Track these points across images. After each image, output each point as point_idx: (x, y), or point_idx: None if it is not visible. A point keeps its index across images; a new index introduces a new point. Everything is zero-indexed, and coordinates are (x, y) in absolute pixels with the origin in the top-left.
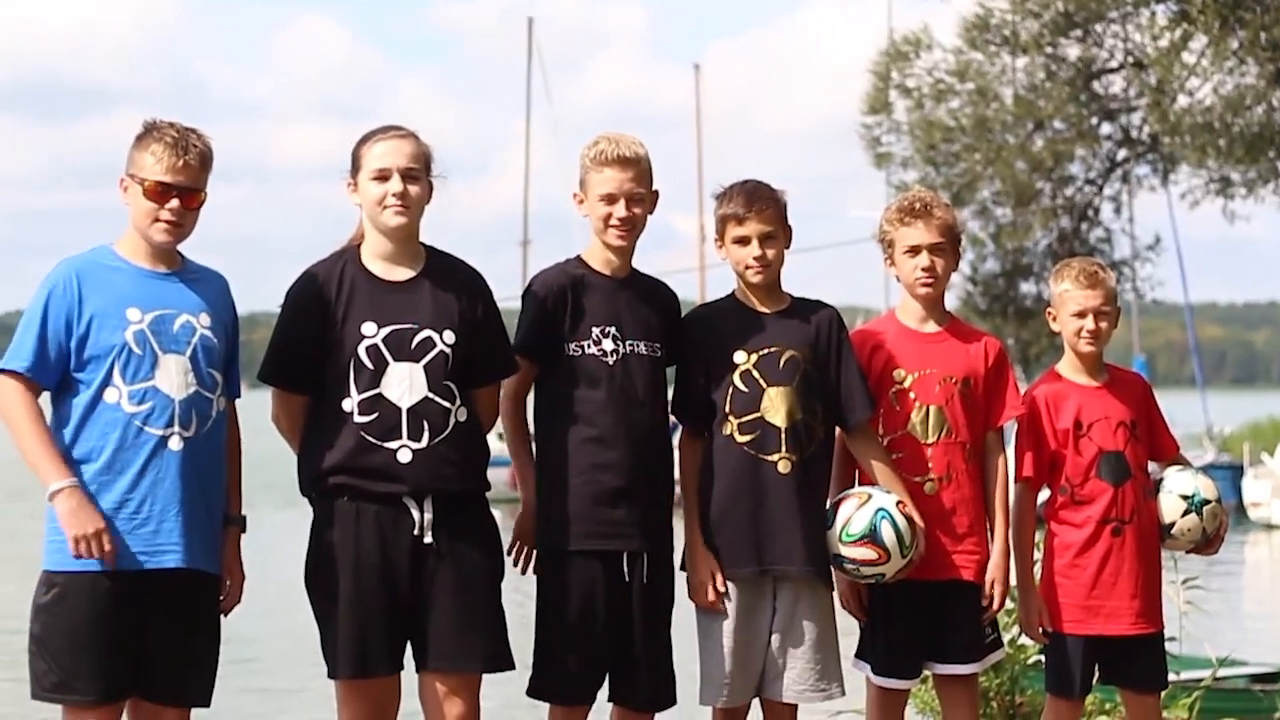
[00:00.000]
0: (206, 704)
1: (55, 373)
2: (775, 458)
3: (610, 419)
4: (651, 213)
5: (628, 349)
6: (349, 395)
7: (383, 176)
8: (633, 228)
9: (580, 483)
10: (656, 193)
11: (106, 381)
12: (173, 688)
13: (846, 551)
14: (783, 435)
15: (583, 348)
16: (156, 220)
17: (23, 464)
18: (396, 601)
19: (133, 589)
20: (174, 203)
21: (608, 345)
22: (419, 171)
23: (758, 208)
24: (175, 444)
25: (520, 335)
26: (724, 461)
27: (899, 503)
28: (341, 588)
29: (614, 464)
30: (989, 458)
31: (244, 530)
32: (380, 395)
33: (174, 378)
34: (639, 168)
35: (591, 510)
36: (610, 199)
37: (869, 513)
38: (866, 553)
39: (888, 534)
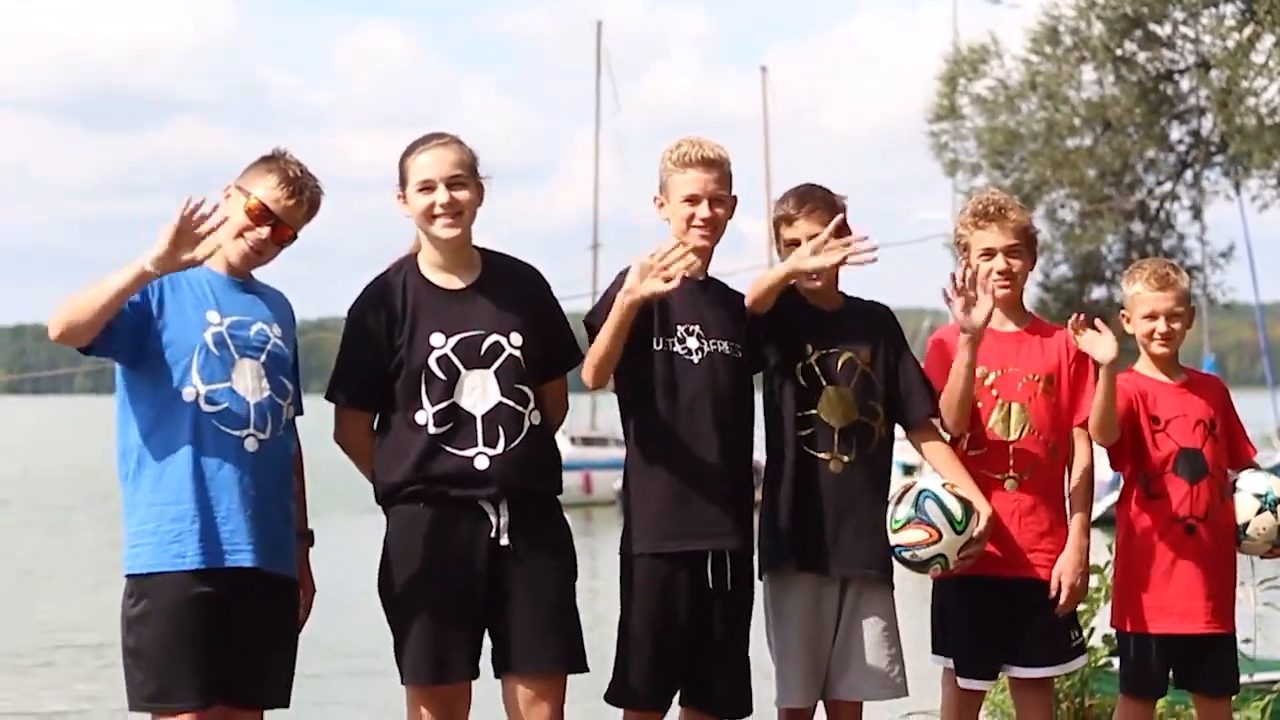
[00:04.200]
0: (286, 704)
1: (126, 344)
2: (827, 456)
3: (694, 417)
4: (731, 216)
5: (712, 347)
6: (422, 407)
7: (428, 187)
8: (715, 228)
9: (663, 483)
10: (735, 197)
11: (185, 380)
12: (254, 689)
13: (898, 539)
14: (836, 435)
15: (669, 345)
16: (241, 237)
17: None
18: (474, 605)
19: (217, 590)
20: (265, 230)
21: (693, 343)
22: (465, 178)
23: (809, 208)
24: (251, 445)
25: (593, 314)
26: (783, 456)
27: (946, 484)
28: (419, 592)
29: (696, 463)
30: (1073, 454)
31: (312, 544)
32: (455, 405)
33: (250, 381)
34: (721, 169)
35: (674, 511)
36: (694, 199)
37: (913, 495)
38: (917, 534)
39: (934, 511)
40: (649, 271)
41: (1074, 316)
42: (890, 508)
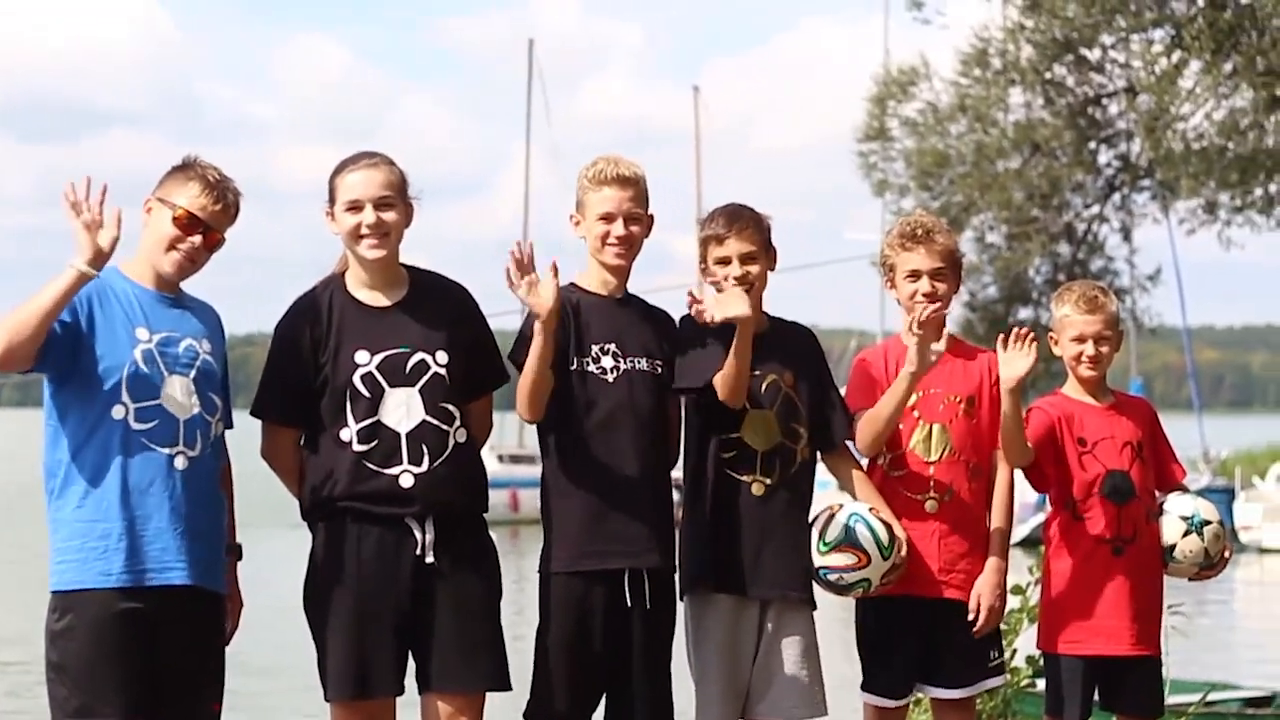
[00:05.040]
0: None
1: (57, 361)
2: (749, 479)
3: (611, 436)
4: (647, 235)
5: (628, 365)
6: (346, 425)
7: (356, 207)
8: (630, 246)
9: (580, 501)
10: (653, 216)
11: (114, 398)
12: (182, 707)
13: (825, 561)
14: (759, 458)
15: (583, 364)
16: (173, 249)
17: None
18: (398, 621)
19: (143, 606)
20: (197, 238)
21: (608, 362)
22: (393, 199)
23: (738, 227)
24: (181, 463)
25: (515, 351)
26: (704, 477)
27: (871, 509)
28: (342, 608)
29: (613, 482)
30: (994, 476)
31: (240, 558)
32: (379, 422)
33: (179, 398)
34: (637, 188)
35: (591, 529)
36: (608, 218)
37: (842, 519)
38: (846, 558)
39: (864, 535)
40: (526, 291)
41: (1014, 329)
42: (816, 530)
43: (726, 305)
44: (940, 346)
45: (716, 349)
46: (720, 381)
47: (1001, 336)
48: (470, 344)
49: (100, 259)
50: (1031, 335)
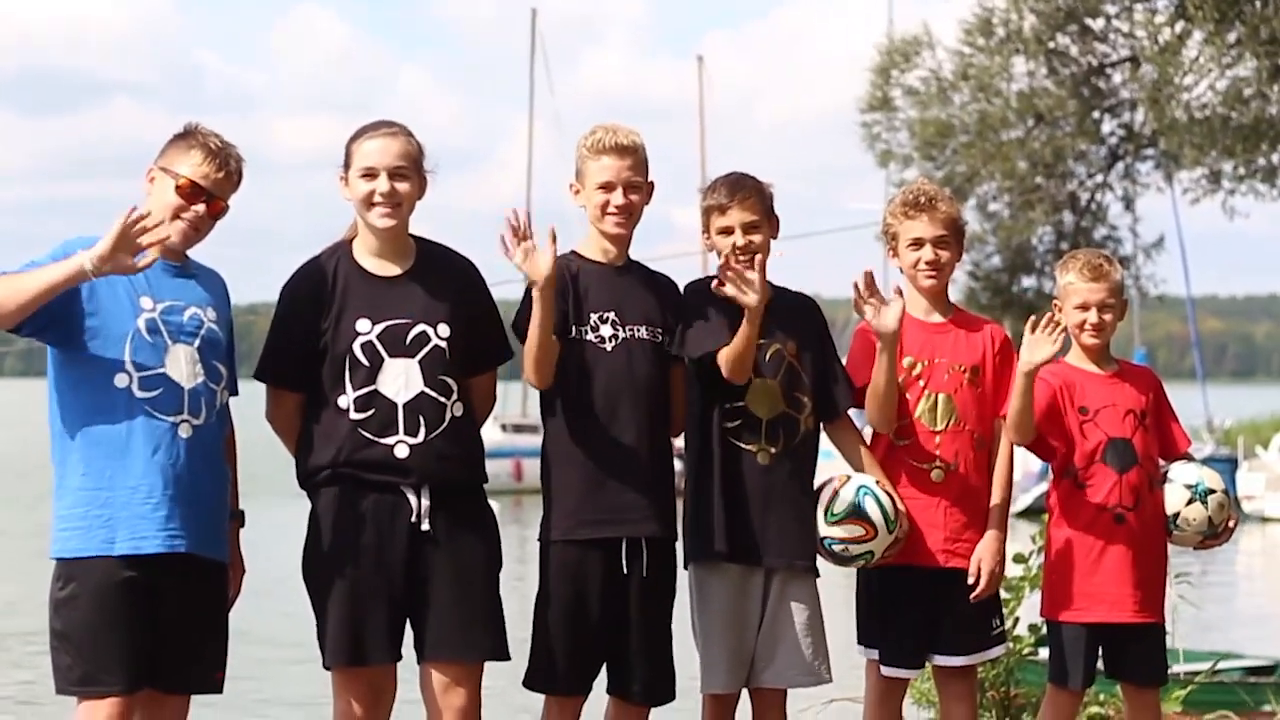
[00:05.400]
0: (219, 690)
1: (53, 325)
2: (754, 448)
3: (609, 404)
4: (647, 203)
5: (628, 334)
6: (344, 392)
7: (371, 174)
8: (630, 215)
9: (578, 471)
10: (652, 184)
11: (117, 365)
12: (183, 675)
13: (832, 532)
14: (763, 427)
15: (581, 333)
16: (178, 218)
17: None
18: (393, 590)
19: (145, 575)
20: (201, 206)
21: (606, 331)
22: (408, 170)
23: (740, 197)
24: (185, 431)
25: (518, 319)
26: (709, 446)
27: (877, 481)
28: (338, 575)
29: (612, 450)
30: (997, 445)
31: (243, 525)
32: (376, 391)
33: (183, 367)
34: (636, 156)
35: (589, 498)
36: (608, 186)
37: (851, 490)
38: (853, 530)
39: (872, 508)
40: (522, 258)
41: (1046, 316)
42: (824, 500)
43: (740, 291)
44: (897, 310)
45: (722, 320)
46: (724, 358)
47: (1032, 320)
48: (473, 318)
49: (107, 270)
50: (1061, 325)
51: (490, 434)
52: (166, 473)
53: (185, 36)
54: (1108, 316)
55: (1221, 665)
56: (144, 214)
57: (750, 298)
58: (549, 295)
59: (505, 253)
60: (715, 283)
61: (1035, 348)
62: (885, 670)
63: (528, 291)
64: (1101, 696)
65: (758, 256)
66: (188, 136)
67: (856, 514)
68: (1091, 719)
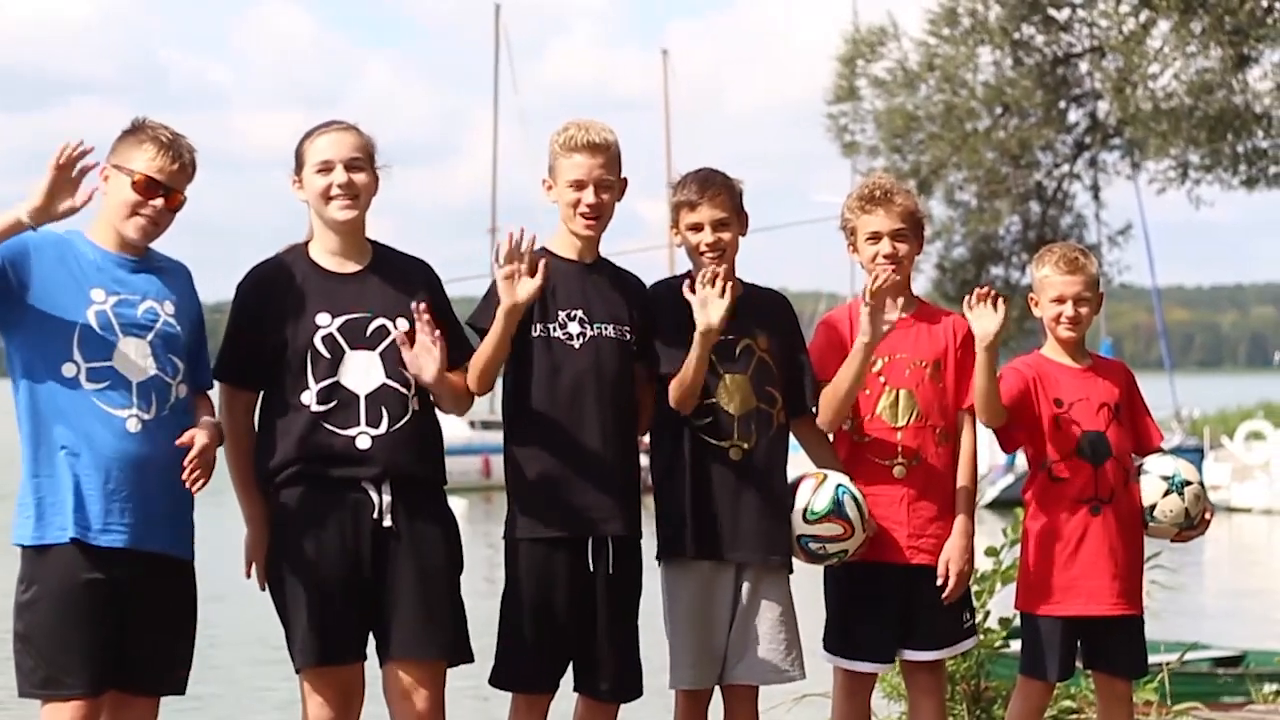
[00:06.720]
0: (182, 691)
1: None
2: (726, 444)
3: (575, 402)
4: (620, 200)
5: (595, 332)
6: (307, 386)
7: (326, 168)
8: (601, 215)
9: (543, 468)
10: (625, 180)
11: (64, 356)
12: (149, 677)
13: (812, 530)
14: (735, 423)
15: (548, 331)
16: (135, 215)
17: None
18: (359, 587)
19: (108, 575)
20: (158, 201)
21: (574, 328)
22: (363, 162)
23: (710, 193)
24: (134, 425)
25: (476, 315)
26: (680, 443)
27: (850, 479)
28: (302, 576)
29: (577, 448)
30: (960, 439)
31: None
32: (338, 383)
33: (134, 359)
34: (608, 154)
35: (554, 496)
36: (579, 185)
37: (830, 489)
38: (833, 528)
39: (850, 508)
40: (505, 275)
41: (976, 289)
42: (803, 497)
43: (702, 308)
44: (893, 316)
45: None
46: (673, 389)
47: (966, 299)
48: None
49: (45, 217)
50: (994, 292)
51: (458, 430)
52: (110, 465)
53: (150, 33)
54: (1083, 309)
55: (1190, 656)
56: (77, 144)
57: (711, 316)
58: (515, 319)
59: (494, 258)
60: (685, 285)
61: (981, 320)
62: (852, 665)
63: (491, 290)
64: (1073, 690)
65: (728, 285)
66: (138, 131)
67: (837, 513)
68: (1063, 712)
